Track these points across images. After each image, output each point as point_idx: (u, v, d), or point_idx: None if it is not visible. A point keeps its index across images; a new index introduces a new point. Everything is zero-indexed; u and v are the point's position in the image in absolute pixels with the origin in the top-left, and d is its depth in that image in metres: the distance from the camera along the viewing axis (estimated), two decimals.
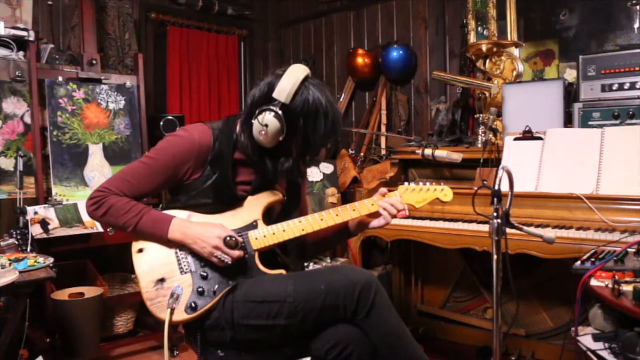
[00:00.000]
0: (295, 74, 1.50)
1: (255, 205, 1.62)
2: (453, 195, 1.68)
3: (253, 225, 1.60)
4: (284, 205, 1.71)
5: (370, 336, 1.48)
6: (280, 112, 1.47)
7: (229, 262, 1.51)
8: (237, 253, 1.52)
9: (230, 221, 1.59)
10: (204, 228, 1.53)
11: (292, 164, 1.56)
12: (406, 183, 1.72)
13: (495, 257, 1.42)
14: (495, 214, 1.42)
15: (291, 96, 1.48)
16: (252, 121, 1.51)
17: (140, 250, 1.57)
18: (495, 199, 1.41)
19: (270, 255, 1.65)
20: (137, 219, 1.53)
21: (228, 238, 1.51)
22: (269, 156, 1.56)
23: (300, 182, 1.79)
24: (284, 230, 1.59)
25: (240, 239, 1.54)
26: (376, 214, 1.66)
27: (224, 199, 1.60)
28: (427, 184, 1.70)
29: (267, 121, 1.48)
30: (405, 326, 1.54)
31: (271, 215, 1.66)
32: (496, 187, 1.41)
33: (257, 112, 1.50)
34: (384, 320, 1.48)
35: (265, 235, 1.59)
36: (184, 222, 1.55)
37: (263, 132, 1.49)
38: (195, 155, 1.56)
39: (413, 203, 1.68)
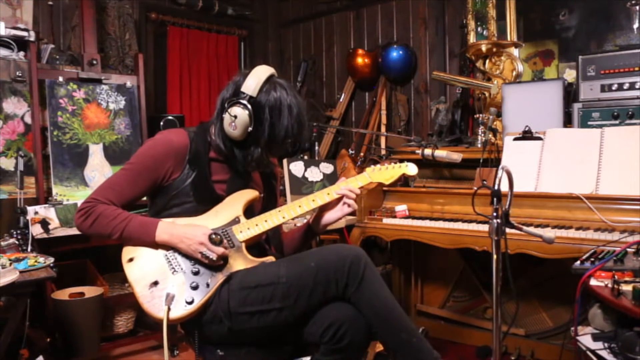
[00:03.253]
0: (261, 71, 1.63)
1: (235, 203, 1.68)
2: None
3: (236, 221, 1.66)
4: (262, 204, 1.79)
5: (362, 310, 1.51)
6: (248, 104, 1.58)
7: (214, 259, 1.55)
8: (221, 250, 1.56)
9: (213, 220, 1.65)
10: (190, 228, 1.59)
11: (260, 153, 1.64)
12: (372, 165, 1.85)
13: (495, 257, 1.42)
14: (495, 214, 1.42)
15: (258, 89, 1.60)
16: (223, 115, 1.61)
17: (131, 260, 1.60)
18: (495, 199, 1.42)
19: (259, 249, 1.70)
20: (124, 224, 1.57)
21: (213, 235, 1.57)
22: (240, 148, 1.64)
23: (274, 182, 1.87)
24: (266, 221, 1.68)
25: (224, 239, 1.59)
26: (334, 205, 1.76)
27: (204, 197, 1.66)
28: (392, 163, 1.84)
29: (236, 112, 1.58)
30: (396, 300, 1.57)
31: (252, 214, 1.71)
32: (496, 187, 1.41)
33: (226, 105, 1.60)
34: (375, 293, 1.52)
35: (249, 228, 1.65)
36: (170, 224, 1.60)
37: (233, 124, 1.58)
38: (173, 155, 1.63)
39: (382, 181, 1.81)
